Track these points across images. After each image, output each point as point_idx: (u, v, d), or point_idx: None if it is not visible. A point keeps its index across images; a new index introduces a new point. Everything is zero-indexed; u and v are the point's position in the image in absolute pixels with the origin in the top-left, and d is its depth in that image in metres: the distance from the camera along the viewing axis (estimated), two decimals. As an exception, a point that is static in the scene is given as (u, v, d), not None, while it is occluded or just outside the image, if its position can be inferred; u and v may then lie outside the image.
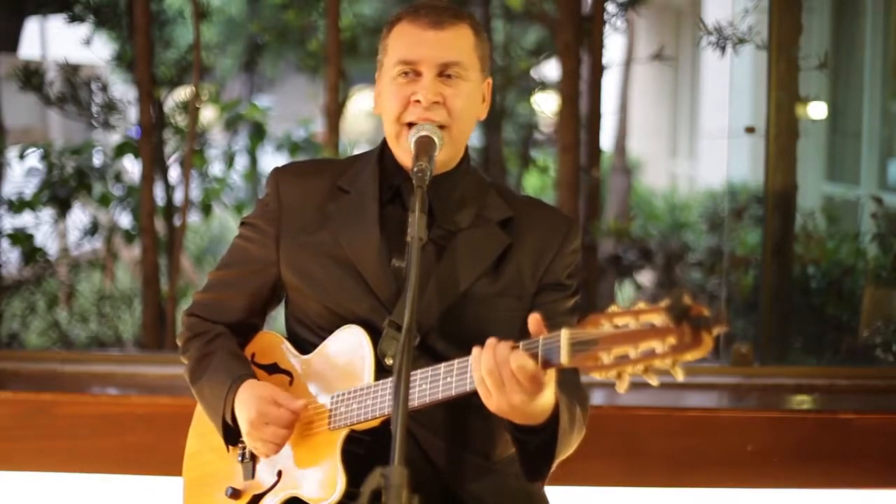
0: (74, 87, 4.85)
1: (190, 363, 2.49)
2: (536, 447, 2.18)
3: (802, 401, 3.79)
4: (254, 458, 2.41)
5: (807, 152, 4.49)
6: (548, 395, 2.06)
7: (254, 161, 5.71)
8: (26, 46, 6.46)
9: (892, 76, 6.04)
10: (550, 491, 2.49)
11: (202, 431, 2.52)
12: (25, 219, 4.96)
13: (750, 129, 4.41)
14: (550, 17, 4.91)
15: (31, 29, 6.70)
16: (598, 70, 4.59)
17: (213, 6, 4.76)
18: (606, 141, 6.56)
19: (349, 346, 2.31)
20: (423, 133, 2.27)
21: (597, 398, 3.56)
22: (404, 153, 2.32)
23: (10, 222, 4.93)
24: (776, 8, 4.18)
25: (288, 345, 2.45)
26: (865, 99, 6.04)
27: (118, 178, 5.09)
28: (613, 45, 6.05)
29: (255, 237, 2.46)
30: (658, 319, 1.79)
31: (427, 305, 2.28)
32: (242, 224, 2.51)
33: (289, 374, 2.42)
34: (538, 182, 7.05)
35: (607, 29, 4.65)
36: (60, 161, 5.03)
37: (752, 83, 5.51)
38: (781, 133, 4.21)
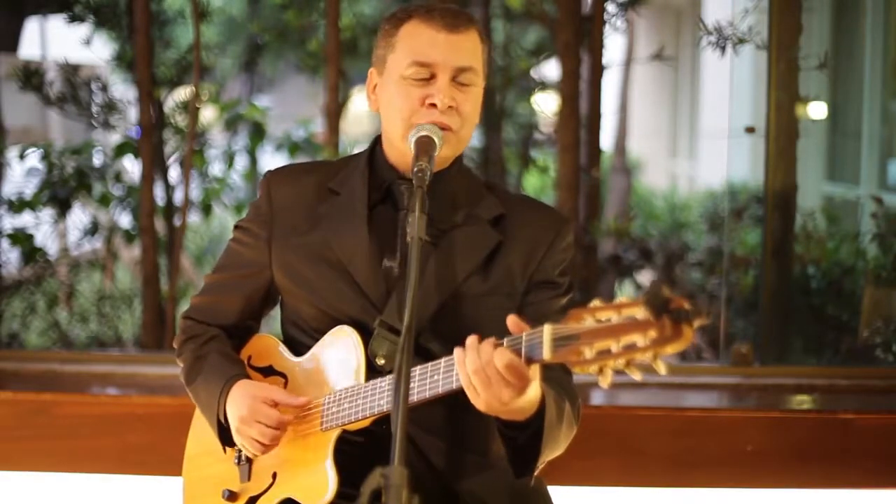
0: (74, 87, 4.85)
1: (185, 366, 2.50)
2: (524, 442, 2.18)
3: (802, 401, 3.79)
4: (250, 460, 2.41)
5: (807, 152, 4.49)
6: (533, 390, 2.06)
7: (254, 161, 5.71)
8: (26, 46, 6.46)
9: (892, 76, 6.04)
10: (550, 491, 2.49)
11: (200, 434, 2.53)
12: (25, 219, 4.96)
13: (750, 129, 4.41)
14: (550, 17, 4.91)
15: (31, 29, 6.70)
16: (598, 70, 4.59)
17: (213, 6, 4.76)
18: (606, 141, 6.55)
19: (341, 346, 2.32)
20: (424, 133, 2.26)
21: (597, 398, 3.57)
22: (406, 151, 2.31)
23: (10, 222, 4.93)
24: (776, 8, 4.18)
25: (283, 347, 2.46)
26: (865, 99, 6.04)
27: (118, 178, 5.08)
28: (613, 45, 6.05)
29: (248, 240, 2.47)
30: (639, 313, 1.79)
31: (420, 304, 2.26)
32: (236, 227, 2.52)
33: (284, 376, 2.43)
34: (538, 182, 7.06)
35: (607, 29, 4.65)
36: (60, 161, 5.03)
37: (752, 83, 5.51)
38: (781, 133, 4.21)
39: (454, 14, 2.32)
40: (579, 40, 4.40)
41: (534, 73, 5.96)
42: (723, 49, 4.24)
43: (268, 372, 2.46)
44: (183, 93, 4.90)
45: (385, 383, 2.21)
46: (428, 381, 2.13)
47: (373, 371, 2.27)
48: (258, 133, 5.60)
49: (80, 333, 4.95)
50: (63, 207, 5.01)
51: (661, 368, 1.79)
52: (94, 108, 4.90)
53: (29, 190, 5.00)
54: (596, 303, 1.86)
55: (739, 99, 5.07)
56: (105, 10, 4.96)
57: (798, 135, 4.25)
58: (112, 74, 5.73)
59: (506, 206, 2.40)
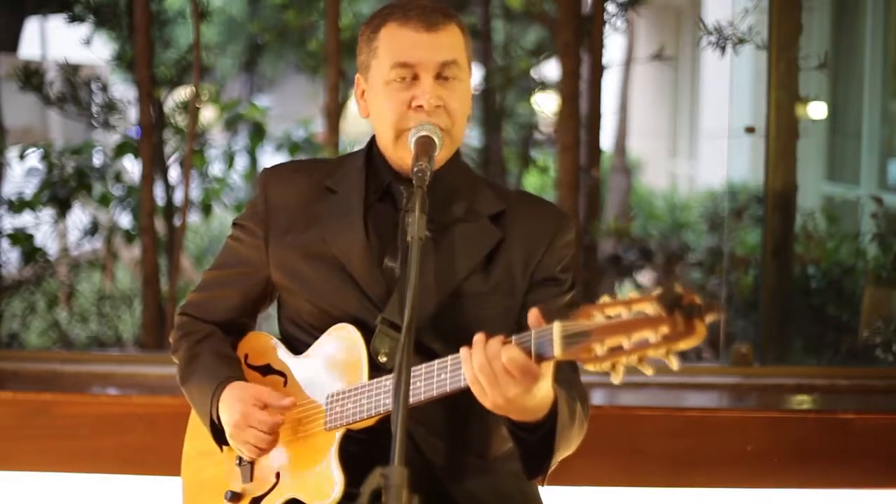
0: (74, 87, 4.85)
1: (180, 363, 2.50)
2: (535, 443, 2.16)
3: (802, 401, 3.79)
4: (251, 460, 2.41)
5: (807, 152, 4.49)
6: (545, 389, 2.04)
7: (254, 161, 5.70)
8: (26, 46, 6.47)
9: (892, 76, 6.04)
10: (550, 491, 2.49)
11: (197, 435, 2.52)
12: (25, 219, 4.96)
13: (750, 129, 4.41)
14: (550, 17, 4.91)
15: (31, 29, 6.71)
16: (598, 70, 4.59)
17: (213, 6, 4.76)
18: (606, 141, 6.55)
19: (342, 345, 2.30)
20: (424, 133, 2.26)
21: (597, 398, 3.57)
22: (402, 155, 2.30)
23: (10, 222, 4.93)
24: (776, 8, 4.18)
25: (280, 345, 2.45)
26: (865, 99, 6.04)
27: (118, 178, 5.09)
28: (613, 45, 6.05)
29: (245, 238, 2.47)
30: (650, 308, 1.78)
31: (420, 302, 2.24)
32: (234, 225, 2.52)
33: (282, 374, 2.42)
34: (538, 182, 7.05)
35: (607, 29, 4.65)
36: (60, 161, 5.03)
37: (752, 83, 5.51)
38: (781, 133, 4.21)
39: (431, 11, 2.31)
40: (579, 40, 4.40)
41: (534, 73, 5.97)
42: (723, 49, 4.24)
43: (265, 371, 2.45)
44: (183, 93, 4.90)
45: (389, 381, 2.19)
46: (435, 379, 2.11)
47: (375, 369, 2.26)
48: (258, 133, 5.60)
49: (80, 333, 4.95)
50: (63, 207, 5.01)
51: (674, 364, 1.78)
52: (94, 108, 4.90)
53: (29, 190, 5.00)
54: (605, 299, 1.85)
55: (739, 99, 5.07)
56: (105, 10, 4.96)
57: (798, 135, 4.25)
58: (112, 74, 5.73)
59: (505, 202, 2.38)
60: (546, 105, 5.84)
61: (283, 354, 2.43)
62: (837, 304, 4.59)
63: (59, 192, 4.97)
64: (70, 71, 4.84)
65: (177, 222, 4.80)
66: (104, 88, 4.89)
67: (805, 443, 3.48)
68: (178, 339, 2.52)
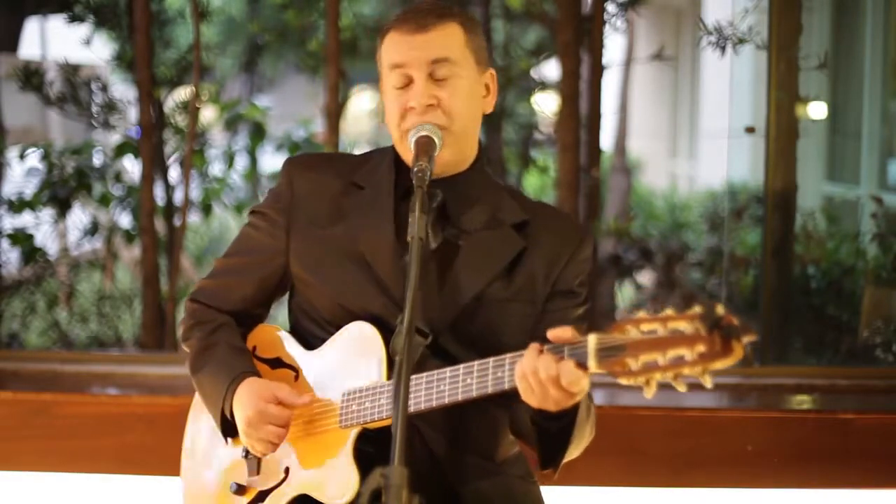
0: (74, 87, 4.85)
1: (191, 352, 2.46)
2: (555, 433, 2.19)
3: (802, 401, 3.79)
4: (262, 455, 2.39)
5: (807, 152, 4.49)
6: None
7: (254, 161, 5.70)
8: (26, 46, 6.47)
9: (892, 76, 6.03)
10: (551, 490, 2.49)
11: (200, 427, 2.51)
12: (25, 219, 4.96)
13: (750, 129, 4.41)
14: (550, 17, 4.91)
15: (31, 29, 6.71)
16: (598, 70, 4.58)
17: (213, 6, 4.76)
18: (606, 141, 6.55)
19: (360, 343, 2.30)
20: (423, 133, 2.27)
21: (597, 398, 3.53)
22: (409, 157, 2.32)
23: (10, 222, 4.93)
24: (776, 8, 4.18)
25: (290, 338, 2.43)
26: (865, 99, 6.04)
27: (118, 178, 5.09)
28: (613, 45, 6.04)
29: (265, 226, 2.45)
30: (686, 326, 1.82)
31: (442, 306, 2.28)
32: (252, 213, 2.50)
33: (293, 369, 2.40)
34: (538, 182, 7.05)
35: (607, 29, 4.64)
36: (60, 161, 5.03)
37: (752, 83, 5.51)
38: (781, 133, 4.21)
39: (426, 12, 2.33)
40: (579, 40, 4.40)
41: (534, 73, 5.96)
42: (723, 49, 4.24)
43: (275, 364, 2.43)
44: (183, 93, 4.90)
45: (412, 383, 2.19)
46: (461, 384, 2.12)
47: (394, 369, 2.25)
48: (258, 133, 5.60)
49: (80, 333, 4.95)
50: (63, 207, 5.01)
51: (708, 382, 1.83)
52: (94, 108, 4.90)
53: (29, 190, 5.00)
54: (641, 314, 1.88)
55: (739, 99, 5.08)
56: (105, 10, 4.96)
57: (798, 135, 4.26)
58: (112, 74, 5.73)
59: (527, 212, 2.40)
60: (546, 105, 5.84)
61: (294, 348, 2.42)
62: (837, 304, 4.60)
63: (59, 192, 4.97)
64: (70, 71, 4.84)
65: (177, 222, 4.80)
66: (104, 88, 4.89)
67: (805, 443, 3.48)
68: (191, 328, 2.48)
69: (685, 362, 1.82)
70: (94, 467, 3.58)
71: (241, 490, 2.40)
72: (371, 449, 2.25)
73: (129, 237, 5.09)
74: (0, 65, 5.51)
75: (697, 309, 1.82)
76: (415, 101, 2.29)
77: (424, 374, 2.18)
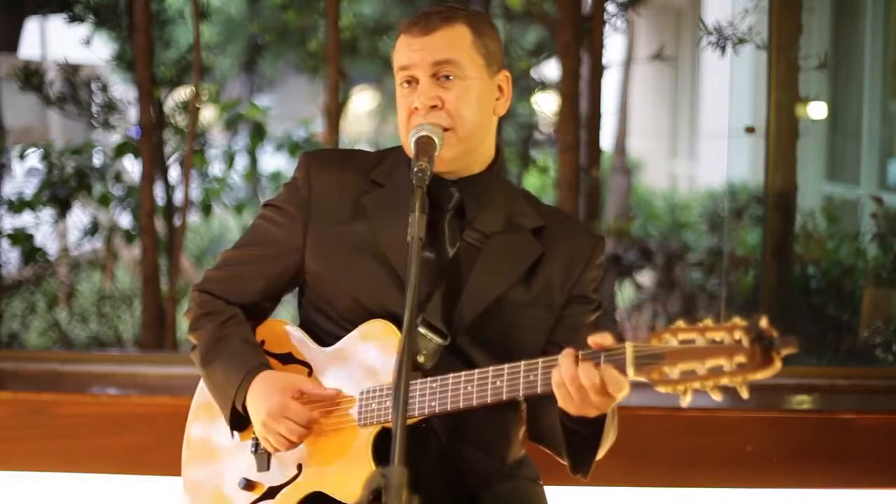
0: (74, 87, 4.85)
1: (201, 344, 2.42)
2: (587, 436, 2.20)
3: (802, 401, 3.79)
4: (275, 451, 2.36)
5: (807, 152, 4.49)
6: None
7: (254, 161, 5.70)
8: (26, 46, 6.47)
9: (892, 76, 6.03)
10: (551, 490, 2.50)
11: (204, 422, 2.49)
12: (25, 219, 4.96)
13: (750, 129, 4.41)
14: (550, 17, 4.91)
15: (31, 29, 6.70)
16: (598, 70, 4.59)
17: (213, 6, 4.77)
18: (606, 141, 6.55)
19: (380, 341, 2.29)
20: (423, 133, 2.28)
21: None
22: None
23: (10, 222, 4.93)
24: (776, 8, 4.18)
25: (302, 334, 2.42)
26: (865, 99, 6.03)
27: (118, 178, 5.09)
28: (613, 45, 6.04)
29: (281, 220, 2.43)
30: (725, 337, 1.86)
31: (462, 308, 2.29)
32: (267, 206, 2.48)
33: (306, 365, 2.38)
34: (538, 182, 7.05)
35: (607, 29, 4.65)
36: (60, 161, 5.03)
37: (752, 83, 5.51)
38: (781, 133, 4.22)
39: (432, 15, 2.34)
40: (579, 40, 4.40)
41: (534, 73, 5.96)
42: (723, 49, 4.25)
43: (287, 360, 2.41)
44: (183, 93, 4.90)
45: (436, 384, 2.18)
46: (489, 386, 2.13)
47: (414, 369, 2.24)
48: (258, 133, 5.59)
49: (80, 333, 4.95)
50: (63, 207, 5.01)
51: (745, 393, 1.88)
52: (94, 108, 4.90)
53: (29, 190, 5.00)
54: (679, 323, 1.91)
55: (739, 99, 5.08)
56: (105, 10, 4.96)
57: (798, 135, 4.26)
58: (112, 74, 5.73)
59: (544, 218, 2.43)
60: (546, 105, 5.83)
61: (305, 344, 2.40)
62: (837, 304, 4.59)
63: (59, 192, 4.97)
64: (70, 71, 4.84)
65: (177, 222, 4.80)
66: (104, 88, 4.89)
67: (805, 443, 3.48)
68: (200, 318, 2.44)
69: (724, 372, 1.86)
70: (94, 467, 3.58)
71: (249, 486, 2.37)
72: (385, 447, 2.22)
73: (129, 237, 5.08)
74: (0, 65, 5.50)
75: (740, 321, 1.86)
76: (418, 102, 2.30)
77: (451, 375, 2.18)
